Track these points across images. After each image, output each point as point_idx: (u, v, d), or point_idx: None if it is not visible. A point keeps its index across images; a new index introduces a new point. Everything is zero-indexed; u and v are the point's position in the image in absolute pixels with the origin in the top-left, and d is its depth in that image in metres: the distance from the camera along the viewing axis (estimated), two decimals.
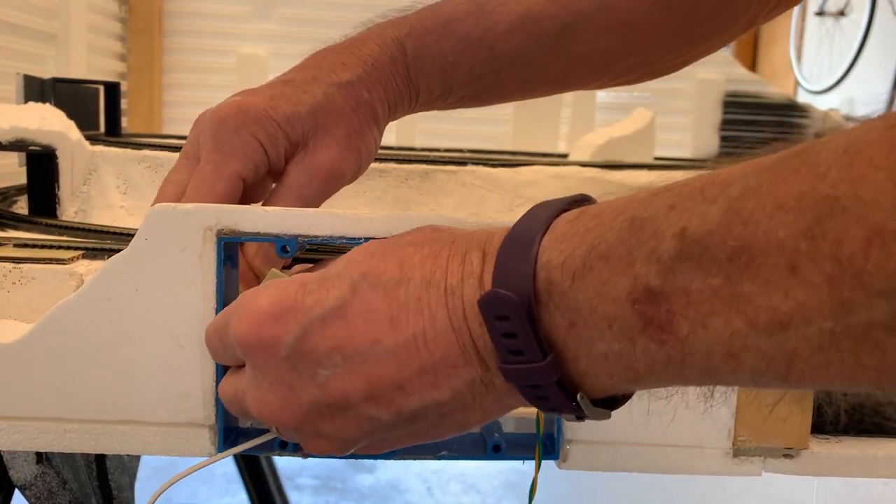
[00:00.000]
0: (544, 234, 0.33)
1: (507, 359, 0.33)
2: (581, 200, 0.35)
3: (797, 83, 3.70)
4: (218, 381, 0.44)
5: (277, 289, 0.37)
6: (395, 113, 0.56)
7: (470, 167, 0.93)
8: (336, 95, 0.53)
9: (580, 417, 0.34)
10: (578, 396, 0.33)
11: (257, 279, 0.48)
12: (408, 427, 0.37)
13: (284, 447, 0.44)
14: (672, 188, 0.30)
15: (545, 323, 0.32)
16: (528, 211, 0.35)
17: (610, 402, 0.35)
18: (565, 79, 0.60)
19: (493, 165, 0.95)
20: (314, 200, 0.52)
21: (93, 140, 0.90)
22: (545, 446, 0.46)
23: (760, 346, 0.27)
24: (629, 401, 0.36)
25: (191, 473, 0.43)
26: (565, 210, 0.34)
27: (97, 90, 1.13)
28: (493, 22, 0.55)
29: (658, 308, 0.29)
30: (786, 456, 0.48)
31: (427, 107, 0.58)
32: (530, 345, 0.32)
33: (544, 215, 0.34)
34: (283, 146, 0.51)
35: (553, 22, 0.55)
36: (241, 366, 0.40)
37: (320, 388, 0.36)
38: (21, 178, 0.82)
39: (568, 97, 1.53)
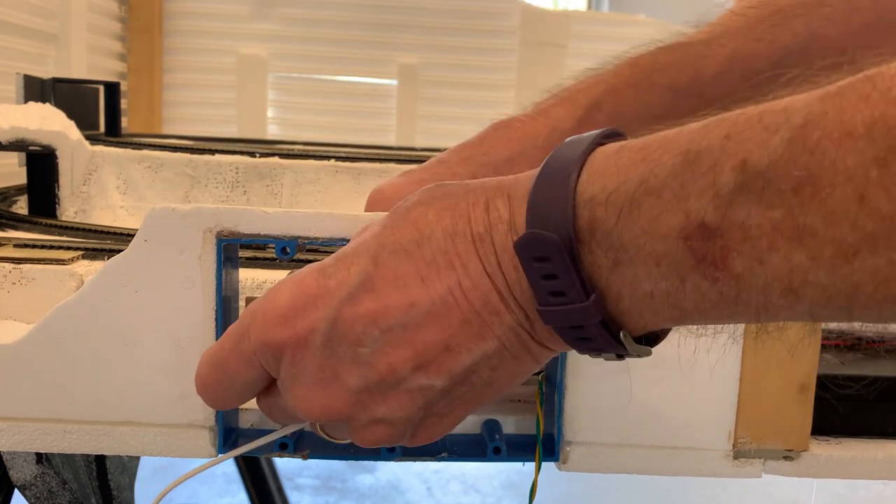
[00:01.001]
0: (581, 169, 0.32)
1: (546, 301, 0.32)
2: (613, 135, 0.34)
3: None
4: None
5: (293, 283, 0.36)
6: None
7: None
8: (519, 159, 0.50)
9: (620, 356, 0.33)
10: (622, 335, 0.32)
11: None
12: (462, 391, 0.35)
13: (285, 448, 0.44)
14: (727, 118, 0.29)
15: (587, 263, 0.31)
16: (557, 149, 0.33)
17: (651, 339, 0.34)
18: None
19: None
20: None
21: (93, 140, 0.90)
22: (545, 448, 0.46)
23: (821, 280, 0.26)
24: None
25: (193, 475, 0.42)
26: (599, 144, 0.33)
27: (97, 90, 1.13)
28: (700, 68, 0.52)
29: (713, 244, 0.28)
30: (786, 458, 0.48)
31: None
32: (573, 285, 0.31)
33: (578, 151, 0.32)
34: None
35: (763, 60, 0.51)
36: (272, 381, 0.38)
37: (365, 367, 0.34)
38: (21, 178, 0.82)
39: None
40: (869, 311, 0.27)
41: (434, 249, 0.34)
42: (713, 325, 0.37)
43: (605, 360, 0.34)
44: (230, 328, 0.38)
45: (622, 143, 0.32)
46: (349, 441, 0.38)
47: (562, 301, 0.32)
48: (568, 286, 0.31)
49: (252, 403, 0.45)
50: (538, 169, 0.33)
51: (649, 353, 0.34)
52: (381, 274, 0.34)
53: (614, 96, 0.52)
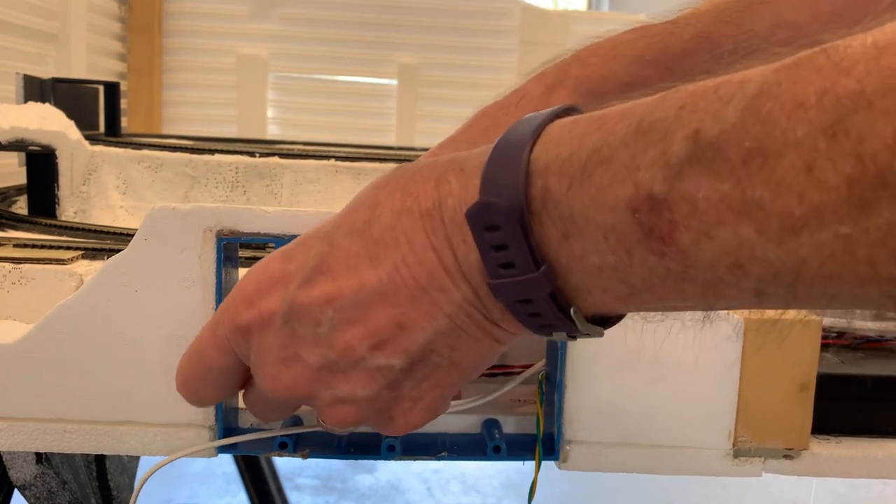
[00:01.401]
0: (536, 140, 0.31)
1: (496, 273, 0.32)
2: (571, 109, 0.33)
3: None
4: None
5: (259, 268, 0.37)
6: None
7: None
8: (488, 127, 0.52)
9: (573, 336, 0.33)
10: (571, 311, 0.31)
11: None
12: (425, 371, 0.35)
13: (284, 447, 0.44)
14: (682, 89, 0.29)
15: (537, 234, 0.30)
16: (515, 123, 0.33)
17: (603, 321, 0.33)
18: None
19: None
20: None
21: (93, 140, 0.90)
22: (545, 447, 0.46)
23: (769, 255, 0.26)
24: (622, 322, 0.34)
25: (181, 458, 0.42)
26: (558, 117, 0.32)
27: (97, 90, 1.13)
28: (667, 43, 0.53)
29: (660, 217, 0.27)
30: (786, 457, 0.48)
31: None
32: (522, 255, 0.30)
33: (534, 123, 0.32)
34: None
35: (730, 41, 0.52)
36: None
37: (324, 345, 0.35)
38: (21, 178, 0.82)
39: None
40: (814, 290, 0.26)
41: (381, 227, 0.34)
42: (695, 313, 0.36)
43: (557, 339, 0.34)
44: (208, 321, 0.39)
45: (582, 115, 0.32)
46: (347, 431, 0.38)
47: (511, 273, 0.31)
48: (518, 257, 0.31)
49: None
50: (494, 143, 0.33)
51: (601, 334, 0.33)
52: (335, 255, 0.35)
53: (580, 64, 0.53)
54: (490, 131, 0.51)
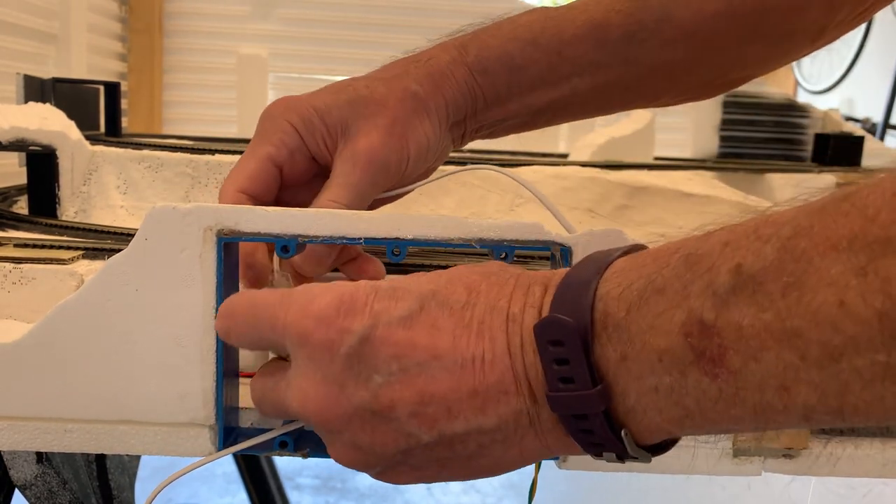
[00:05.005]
0: (605, 270, 0.34)
1: (555, 386, 0.34)
2: (637, 247, 0.37)
3: (797, 83, 3.70)
4: (218, 381, 0.44)
5: (344, 288, 0.37)
6: (458, 112, 0.55)
7: (470, 167, 0.93)
8: (380, 87, 0.53)
9: (621, 458, 0.34)
10: (623, 433, 0.33)
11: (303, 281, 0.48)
12: (442, 455, 0.37)
13: (284, 447, 0.44)
14: (726, 227, 0.32)
15: (597, 354, 0.33)
16: (593, 252, 0.36)
17: (654, 448, 0.35)
18: (639, 92, 0.59)
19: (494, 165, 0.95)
20: (364, 190, 0.50)
21: (93, 140, 0.90)
22: None
23: (813, 378, 0.28)
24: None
25: (190, 471, 0.43)
26: (626, 253, 0.35)
27: (97, 90, 1.13)
28: (560, 28, 0.55)
29: (710, 341, 0.30)
30: (785, 456, 0.48)
31: (499, 112, 0.56)
32: (581, 372, 0.33)
33: (610, 254, 0.35)
34: (319, 131, 0.51)
35: (618, 30, 0.54)
36: (277, 362, 0.41)
37: (371, 393, 0.36)
38: (21, 178, 0.82)
39: None
40: (859, 413, 0.28)
41: (474, 316, 0.36)
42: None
43: (606, 460, 0.35)
44: (261, 294, 0.40)
45: (642, 252, 0.35)
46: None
47: (570, 388, 0.33)
48: (577, 372, 0.33)
49: (252, 403, 0.45)
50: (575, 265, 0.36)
51: (648, 459, 0.35)
52: (422, 318, 0.36)
53: (478, 43, 0.55)
54: (400, 79, 0.53)
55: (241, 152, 0.89)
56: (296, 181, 0.52)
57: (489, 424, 0.35)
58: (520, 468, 0.38)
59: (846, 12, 0.57)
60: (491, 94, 0.55)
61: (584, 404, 0.33)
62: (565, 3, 0.57)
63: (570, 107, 0.57)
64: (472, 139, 0.58)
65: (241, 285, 0.47)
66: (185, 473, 0.43)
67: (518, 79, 0.55)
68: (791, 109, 1.67)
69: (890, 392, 0.27)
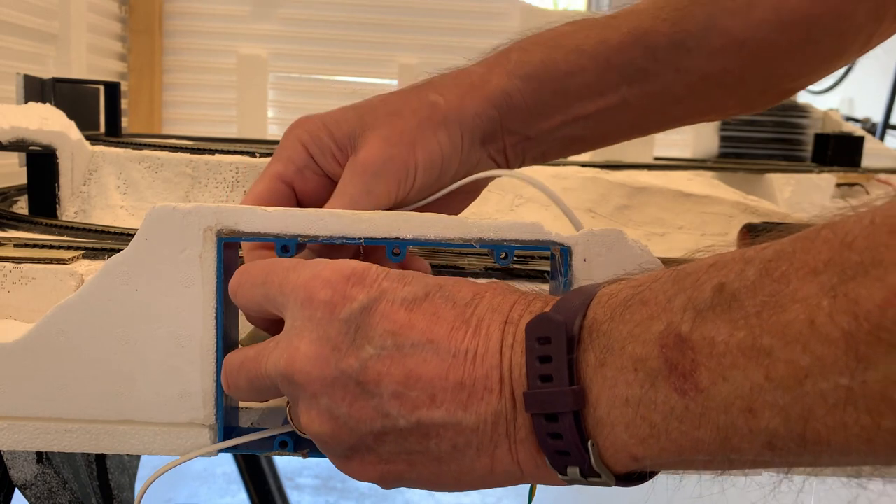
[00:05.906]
0: (611, 283, 0.36)
1: (534, 384, 0.34)
2: None
3: None
4: (218, 381, 0.44)
5: (357, 264, 0.38)
6: (488, 123, 0.53)
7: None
8: (396, 99, 0.52)
9: (585, 475, 0.34)
10: (589, 443, 0.34)
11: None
12: (413, 448, 0.37)
13: (284, 447, 0.44)
14: (716, 254, 0.33)
15: (579, 358, 0.34)
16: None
17: (621, 479, 0.35)
18: (691, 103, 0.57)
19: None
20: (357, 199, 0.49)
21: (93, 140, 0.90)
22: None
23: (778, 400, 0.28)
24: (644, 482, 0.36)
25: (182, 463, 0.42)
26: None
27: (97, 90, 1.13)
28: (605, 36, 0.54)
29: (683, 355, 0.30)
30: None
31: (545, 123, 0.54)
32: (561, 370, 0.33)
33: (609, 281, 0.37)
34: (328, 146, 0.51)
35: (665, 38, 0.53)
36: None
37: (361, 363, 0.36)
38: (21, 178, 0.82)
39: None
40: (821, 442, 0.28)
41: (474, 314, 0.37)
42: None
43: (570, 478, 0.35)
44: (271, 264, 0.41)
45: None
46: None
47: (547, 386, 0.34)
48: (557, 370, 0.33)
49: (252, 403, 0.46)
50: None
51: (612, 481, 0.35)
52: (426, 305, 0.37)
53: (521, 50, 0.55)
54: (421, 89, 0.53)
55: (241, 152, 0.89)
56: (310, 198, 0.51)
57: (468, 422, 0.35)
58: (484, 488, 0.38)
59: (891, 18, 0.56)
60: (534, 102, 0.53)
61: (557, 402, 0.33)
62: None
63: (621, 120, 0.56)
64: (523, 158, 0.56)
65: None
66: (174, 466, 0.43)
67: (564, 86, 0.54)
68: (791, 109, 1.67)
69: (851, 418, 0.27)
